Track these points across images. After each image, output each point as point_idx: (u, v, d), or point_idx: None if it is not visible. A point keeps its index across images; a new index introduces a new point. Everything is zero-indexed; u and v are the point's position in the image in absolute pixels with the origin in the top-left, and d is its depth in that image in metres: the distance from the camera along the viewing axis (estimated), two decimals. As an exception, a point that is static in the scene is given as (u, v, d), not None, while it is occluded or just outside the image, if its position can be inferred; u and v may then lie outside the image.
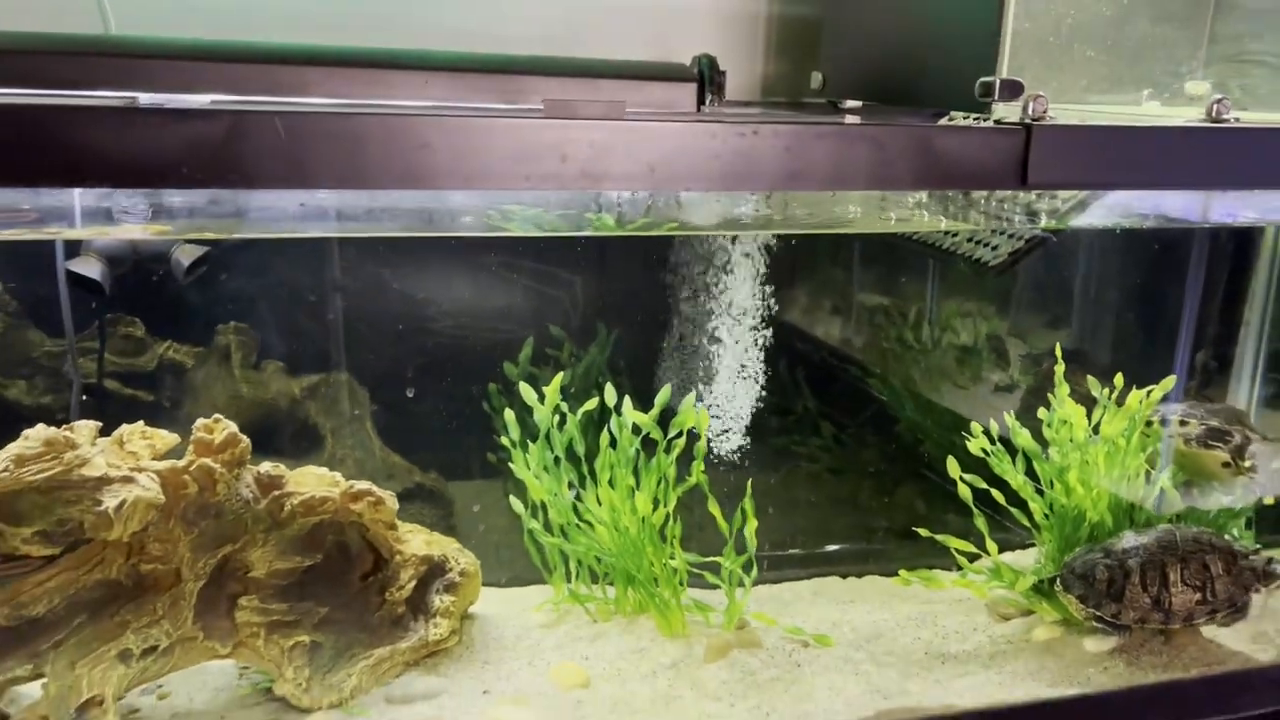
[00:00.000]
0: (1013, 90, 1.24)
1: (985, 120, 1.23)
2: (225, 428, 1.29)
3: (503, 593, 1.62)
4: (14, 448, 1.17)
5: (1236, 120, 1.25)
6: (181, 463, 1.26)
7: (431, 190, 1.20)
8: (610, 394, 1.51)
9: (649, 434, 1.50)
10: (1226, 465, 1.63)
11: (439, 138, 0.98)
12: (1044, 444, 1.62)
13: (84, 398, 1.62)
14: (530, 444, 1.53)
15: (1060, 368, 1.62)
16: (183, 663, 1.29)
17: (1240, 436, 1.63)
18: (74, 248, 1.49)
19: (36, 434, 1.17)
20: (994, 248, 1.75)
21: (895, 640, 1.54)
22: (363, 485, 1.37)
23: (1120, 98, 1.50)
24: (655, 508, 1.50)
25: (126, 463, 1.23)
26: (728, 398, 1.80)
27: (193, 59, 1.06)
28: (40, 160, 0.92)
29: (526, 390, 1.53)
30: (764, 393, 1.81)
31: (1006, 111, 1.24)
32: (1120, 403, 1.61)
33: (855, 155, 1.10)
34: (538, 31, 1.68)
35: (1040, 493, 1.61)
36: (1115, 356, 2.04)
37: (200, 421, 1.29)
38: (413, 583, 1.42)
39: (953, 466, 1.56)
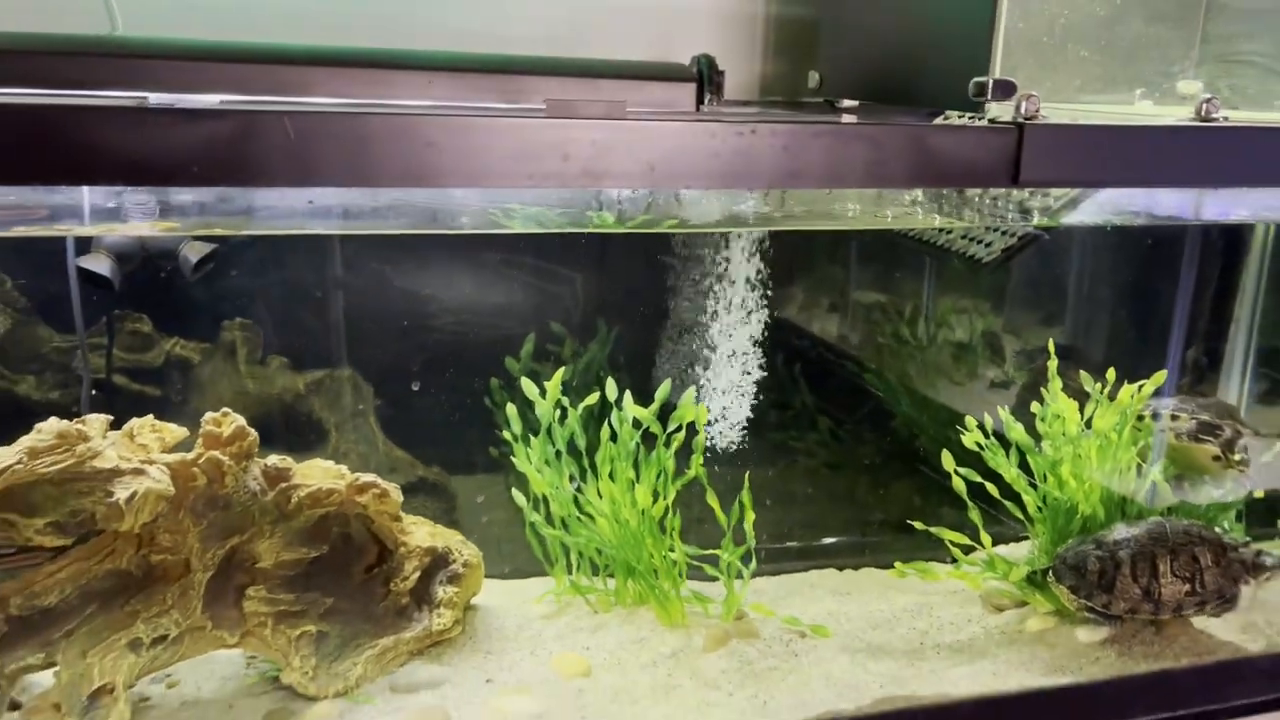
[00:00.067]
0: (1005, 90, 1.26)
1: (979, 119, 1.25)
2: (233, 421, 1.31)
3: (505, 584, 1.64)
4: (27, 440, 1.19)
5: (1225, 119, 1.27)
6: (191, 455, 1.28)
7: (436, 188, 1.23)
8: (611, 389, 1.53)
9: (649, 428, 1.52)
10: (1217, 459, 1.66)
11: (444, 137, 1.00)
12: (1037, 438, 1.64)
13: (93, 392, 1.64)
14: (532, 438, 1.55)
15: (1053, 363, 1.64)
16: (191, 652, 1.31)
17: (1230, 430, 1.66)
18: (84, 245, 1.51)
19: (49, 427, 1.19)
20: (987, 244, 1.77)
21: (891, 631, 1.56)
22: (368, 478, 1.39)
23: (1114, 97, 1.51)
24: (655, 500, 1.52)
25: (137, 455, 1.25)
26: (726, 393, 1.83)
27: (198, 59, 1.07)
28: (55, 159, 0.94)
29: (528, 385, 1.55)
30: (762, 388, 1.83)
31: (1000, 111, 1.26)
32: (1112, 398, 1.64)
33: (852, 154, 1.12)
34: (539, 32, 1.70)
35: (1034, 486, 1.64)
36: (1108, 352, 2.06)
37: (209, 415, 1.31)
38: (417, 574, 1.45)
39: (947, 460, 1.59)
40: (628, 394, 1.52)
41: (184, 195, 1.26)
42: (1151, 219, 1.59)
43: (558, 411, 1.54)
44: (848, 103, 1.49)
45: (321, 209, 1.30)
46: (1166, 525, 1.55)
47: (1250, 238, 1.98)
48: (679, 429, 1.52)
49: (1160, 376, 1.64)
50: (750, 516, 1.52)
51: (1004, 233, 1.75)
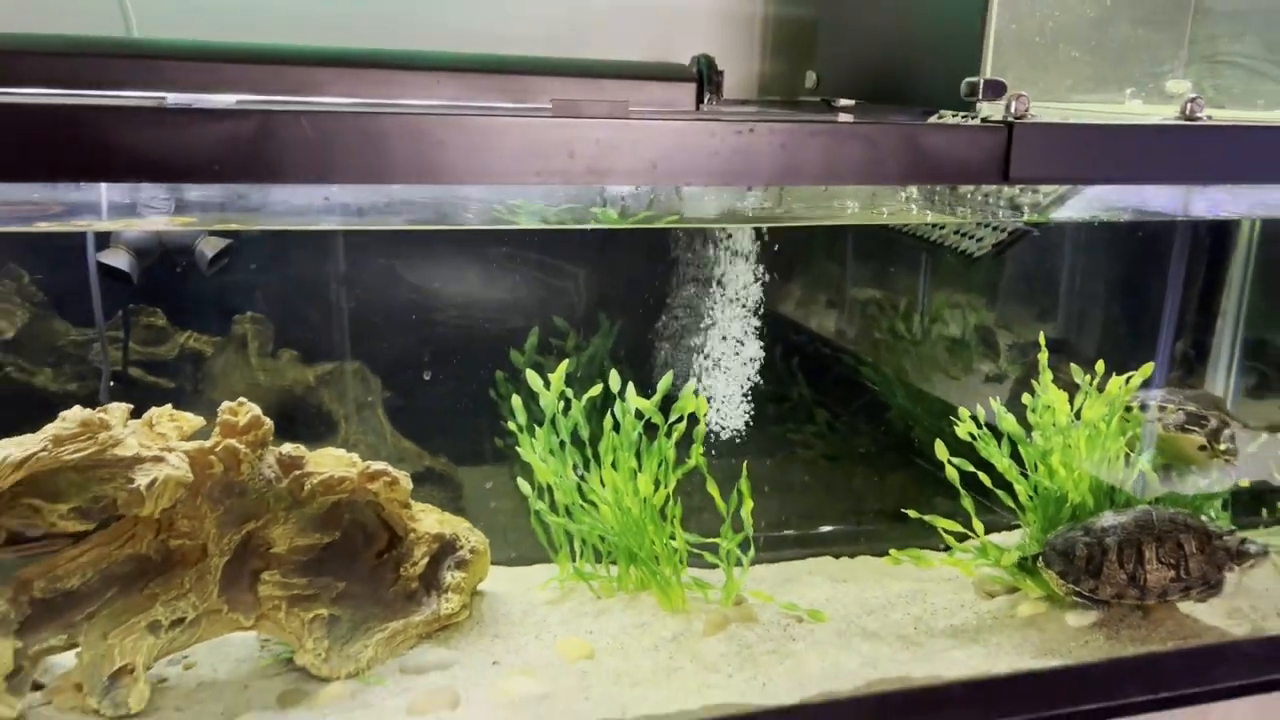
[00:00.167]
0: (996, 90, 1.29)
1: (971, 119, 1.27)
2: (249, 410, 1.34)
3: (510, 571, 1.66)
4: (52, 428, 1.22)
5: (1209, 118, 1.30)
6: (208, 444, 1.32)
7: (445, 185, 1.25)
8: (614, 380, 1.56)
9: (651, 419, 1.55)
10: (1203, 449, 1.69)
11: (454, 135, 1.02)
12: (1028, 429, 1.68)
13: (111, 384, 1.67)
14: (536, 429, 1.58)
15: (1044, 355, 1.67)
16: (208, 634, 1.35)
17: (1216, 421, 1.69)
18: (103, 240, 1.55)
19: (73, 415, 1.23)
20: (978, 239, 1.81)
21: (886, 616, 1.59)
22: (379, 466, 1.42)
23: (1104, 97, 1.53)
24: (656, 489, 1.55)
25: (156, 443, 1.29)
26: (726, 385, 1.86)
27: (212, 60, 1.08)
28: (79, 157, 0.96)
29: (533, 377, 1.57)
30: (760, 381, 1.86)
31: (991, 110, 1.29)
32: (1101, 389, 1.67)
33: (847, 152, 1.14)
34: (539, 32, 1.71)
35: (1025, 475, 1.67)
36: (1098, 345, 2.09)
37: (226, 404, 1.35)
38: (425, 560, 1.48)
39: (940, 450, 1.62)
40: (630, 385, 1.55)
41: (201, 192, 1.29)
42: (1138, 215, 1.62)
43: (561, 403, 1.57)
44: (844, 102, 1.51)
45: (334, 205, 1.33)
46: (1153, 513, 1.58)
47: (1236, 233, 2.01)
48: (680, 420, 1.55)
49: (1148, 369, 1.67)
50: (749, 505, 1.55)
51: (995, 228, 1.79)
